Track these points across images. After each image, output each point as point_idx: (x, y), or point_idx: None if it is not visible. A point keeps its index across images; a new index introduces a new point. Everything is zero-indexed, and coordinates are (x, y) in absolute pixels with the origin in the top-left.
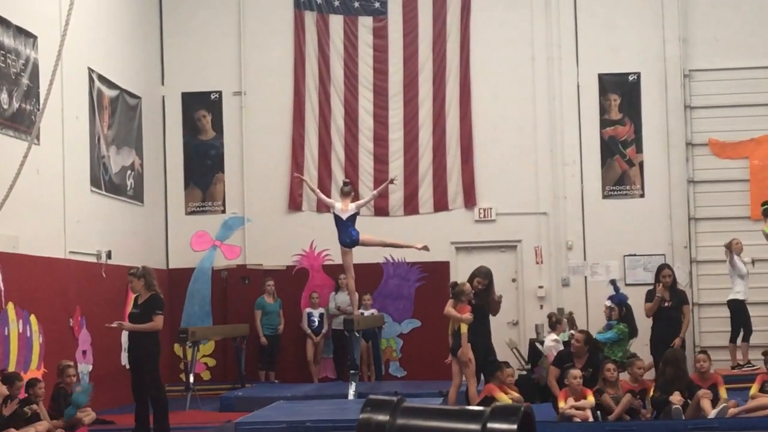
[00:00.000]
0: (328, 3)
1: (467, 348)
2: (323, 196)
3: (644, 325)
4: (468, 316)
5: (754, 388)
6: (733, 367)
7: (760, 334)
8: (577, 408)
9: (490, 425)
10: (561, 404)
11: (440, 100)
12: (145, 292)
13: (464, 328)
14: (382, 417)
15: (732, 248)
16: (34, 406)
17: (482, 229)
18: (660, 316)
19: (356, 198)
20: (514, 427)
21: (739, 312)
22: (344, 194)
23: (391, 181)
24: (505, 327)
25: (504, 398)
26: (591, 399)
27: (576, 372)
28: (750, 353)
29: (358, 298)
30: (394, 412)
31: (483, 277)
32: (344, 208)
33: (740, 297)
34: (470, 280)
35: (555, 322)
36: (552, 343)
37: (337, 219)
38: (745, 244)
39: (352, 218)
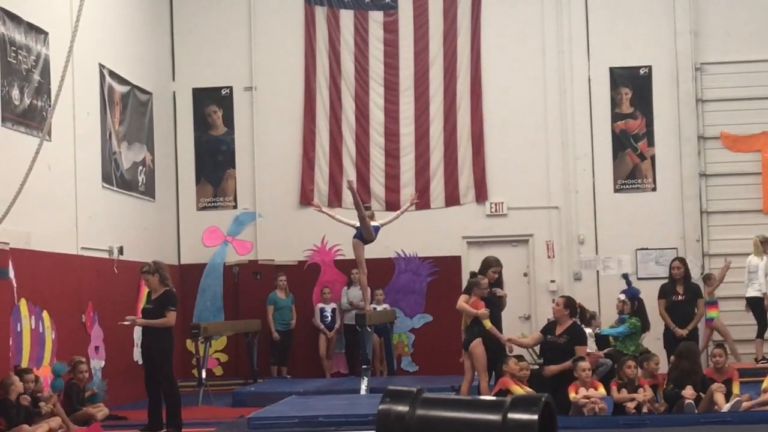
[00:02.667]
0: None
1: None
2: (345, 219)
3: (657, 319)
4: (485, 311)
5: (767, 382)
6: (758, 361)
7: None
8: (588, 397)
9: (510, 415)
10: (572, 395)
11: (451, 95)
12: (160, 287)
13: (488, 324)
14: (402, 408)
15: (760, 245)
16: (44, 405)
17: (494, 224)
18: (673, 310)
19: (374, 216)
20: (535, 417)
21: (759, 308)
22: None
23: (413, 202)
24: (516, 321)
25: (519, 391)
26: (602, 390)
27: (585, 364)
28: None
29: (370, 293)
30: (413, 403)
31: (497, 264)
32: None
33: (759, 294)
34: (483, 270)
35: (590, 318)
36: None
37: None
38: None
39: (375, 230)
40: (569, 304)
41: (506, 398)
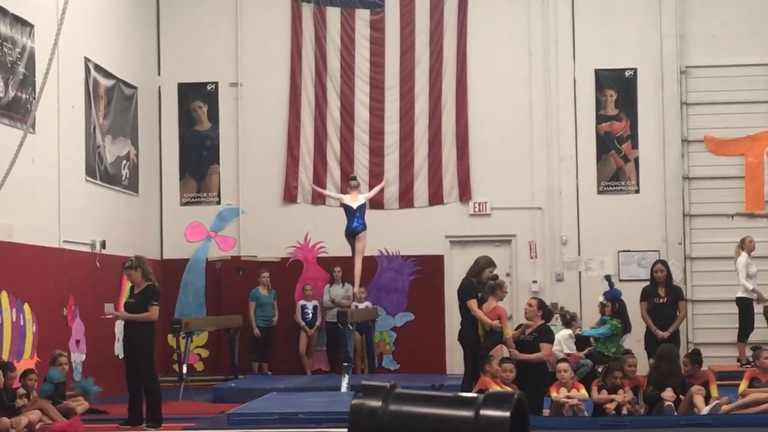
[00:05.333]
0: None
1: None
2: (334, 194)
3: (638, 320)
4: (497, 322)
5: (743, 385)
6: (742, 364)
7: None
8: (570, 398)
9: (483, 412)
10: (554, 395)
11: (436, 94)
12: (143, 282)
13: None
14: (375, 403)
15: (744, 246)
16: (25, 400)
17: (477, 223)
18: (655, 312)
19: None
20: (507, 414)
21: (746, 310)
22: (352, 188)
23: (385, 182)
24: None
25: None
26: (583, 392)
27: (564, 365)
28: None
29: (352, 291)
30: (386, 398)
31: (491, 265)
32: (353, 199)
33: (748, 295)
34: (479, 272)
35: (570, 319)
36: (567, 338)
37: (347, 208)
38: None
39: (361, 208)
40: (542, 305)
41: (480, 395)
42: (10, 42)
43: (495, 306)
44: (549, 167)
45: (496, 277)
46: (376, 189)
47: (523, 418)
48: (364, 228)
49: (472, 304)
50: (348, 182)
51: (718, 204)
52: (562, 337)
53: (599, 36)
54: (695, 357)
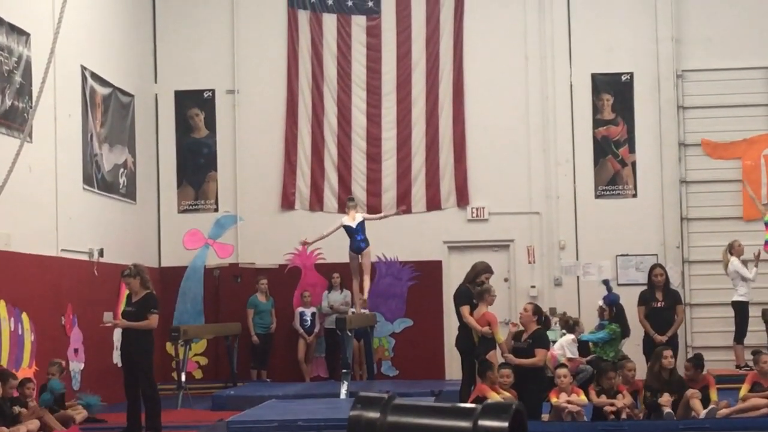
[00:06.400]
0: (321, 2)
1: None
2: (331, 230)
3: (637, 324)
4: (487, 329)
5: (744, 389)
6: (739, 367)
7: (751, 335)
8: (570, 403)
9: (481, 422)
10: (554, 400)
11: (433, 99)
12: (141, 290)
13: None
14: (373, 414)
15: (733, 251)
16: (24, 410)
17: (475, 229)
18: (653, 316)
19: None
20: (506, 424)
21: (742, 312)
22: (350, 207)
23: (400, 212)
24: None
25: (496, 398)
26: (583, 397)
27: (563, 371)
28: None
29: (350, 296)
30: (384, 409)
31: (488, 270)
32: (351, 218)
33: (743, 299)
34: (474, 277)
35: (573, 324)
36: (570, 343)
37: (348, 228)
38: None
39: (361, 225)
40: (537, 311)
41: (478, 405)
42: (7, 51)
43: (485, 312)
44: (546, 172)
45: (482, 282)
46: (378, 215)
47: (521, 428)
48: (368, 245)
49: (464, 310)
50: (346, 203)
51: (716, 207)
52: (566, 341)
53: (596, 40)
54: (697, 361)
